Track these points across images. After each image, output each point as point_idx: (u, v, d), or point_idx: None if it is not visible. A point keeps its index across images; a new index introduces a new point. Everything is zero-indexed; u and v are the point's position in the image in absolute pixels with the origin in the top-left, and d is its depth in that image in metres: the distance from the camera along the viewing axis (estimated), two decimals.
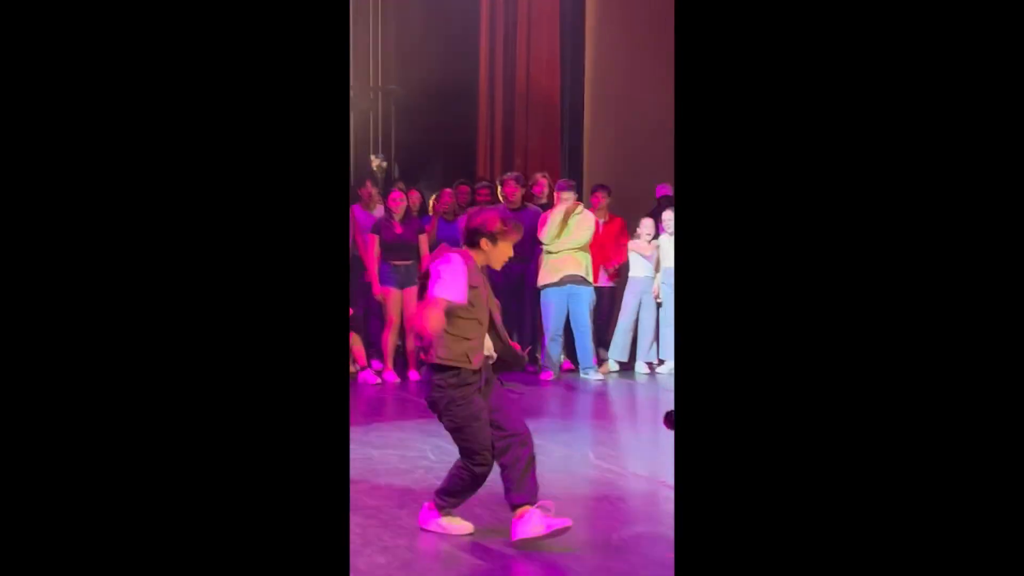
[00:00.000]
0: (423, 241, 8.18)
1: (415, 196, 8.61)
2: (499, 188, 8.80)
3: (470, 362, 4.07)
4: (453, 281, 3.98)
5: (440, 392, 4.08)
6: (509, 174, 8.83)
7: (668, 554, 4.22)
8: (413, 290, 8.10)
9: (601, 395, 8.05)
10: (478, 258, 4.13)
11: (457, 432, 4.13)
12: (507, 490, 4.11)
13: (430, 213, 8.81)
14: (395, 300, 8.10)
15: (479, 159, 10.19)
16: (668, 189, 9.17)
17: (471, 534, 4.23)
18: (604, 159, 10.21)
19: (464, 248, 4.19)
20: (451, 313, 3.99)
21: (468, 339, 4.09)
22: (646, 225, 8.71)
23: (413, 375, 8.24)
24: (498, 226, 4.09)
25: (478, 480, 4.17)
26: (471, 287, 4.04)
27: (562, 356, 8.62)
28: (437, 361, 4.04)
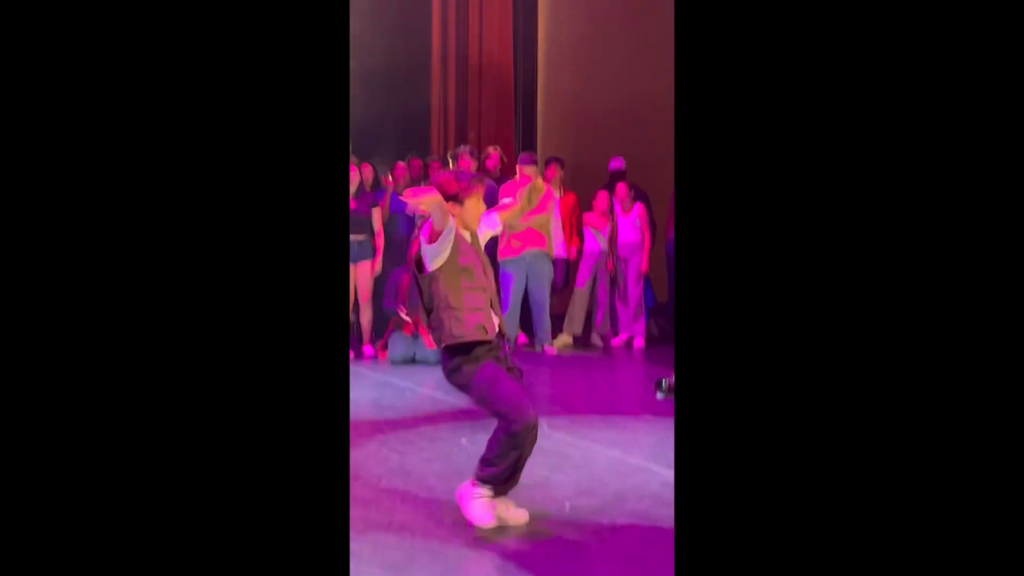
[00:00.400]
0: (376, 215, 8.20)
1: (368, 170, 8.60)
2: (453, 162, 8.83)
3: (487, 333, 3.99)
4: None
5: (459, 373, 4.01)
6: (462, 147, 8.86)
7: (619, 521, 4.31)
8: (366, 264, 8.13)
9: (556, 368, 8.13)
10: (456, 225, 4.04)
11: (484, 400, 4.04)
12: (490, 461, 4.03)
13: (383, 187, 8.81)
14: (349, 275, 8.10)
15: (432, 133, 10.20)
16: (621, 163, 9.25)
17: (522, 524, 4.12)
18: (558, 133, 10.26)
19: None
20: (455, 287, 3.96)
21: (478, 309, 4.00)
22: (601, 199, 8.79)
23: (367, 350, 8.28)
24: (455, 186, 4.04)
25: (517, 441, 3.97)
26: (462, 252, 3.99)
27: (518, 329, 8.69)
28: (453, 341, 3.96)
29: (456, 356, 4.00)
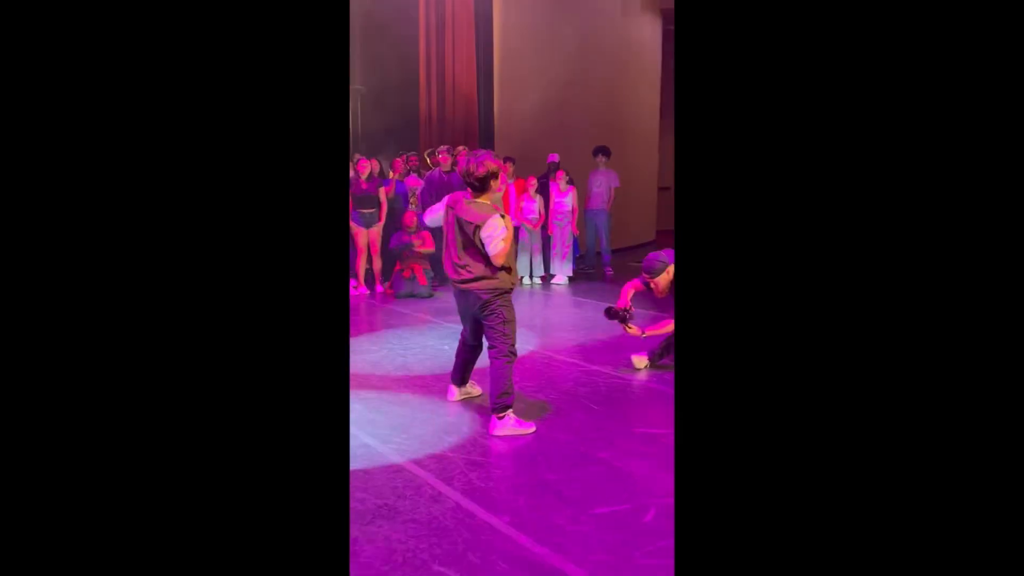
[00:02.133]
0: (382, 194, 8.33)
1: (375, 163, 8.72)
2: (431, 158, 8.95)
3: (513, 284, 3.87)
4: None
5: (502, 305, 3.83)
6: (441, 147, 8.95)
7: (551, 396, 4.55)
8: (376, 228, 8.30)
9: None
10: (488, 199, 3.82)
11: (501, 326, 3.81)
12: (501, 393, 3.80)
13: (389, 176, 8.93)
14: (363, 236, 8.24)
15: (420, 137, 10.24)
16: (556, 157, 9.47)
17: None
18: (509, 137, 10.35)
19: (471, 194, 3.81)
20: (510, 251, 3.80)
21: (510, 268, 3.85)
22: (533, 183, 9.01)
23: (379, 288, 8.42)
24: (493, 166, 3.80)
25: (511, 364, 3.84)
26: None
27: None
28: (508, 287, 3.82)
29: (505, 295, 3.85)
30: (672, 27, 13.94)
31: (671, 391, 4.51)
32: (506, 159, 9.11)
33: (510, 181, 8.93)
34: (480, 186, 3.79)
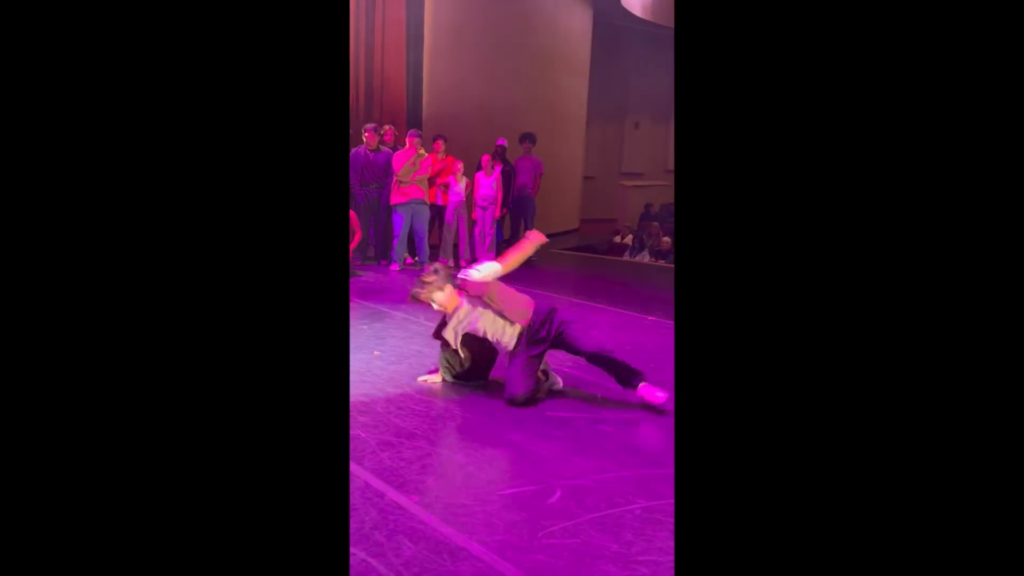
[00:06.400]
0: None
1: None
2: (362, 135, 8.79)
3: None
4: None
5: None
6: (368, 124, 8.79)
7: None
8: None
9: None
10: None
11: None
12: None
13: None
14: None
15: (350, 115, 10.05)
16: (503, 141, 9.45)
17: None
18: (437, 119, 10.26)
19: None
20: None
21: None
22: (459, 167, 8.94)
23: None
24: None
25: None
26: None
27: (405, 254, 8.79)
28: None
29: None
30: (603, 19, 14.04)
31: (585, 376, 4.57)
32: (437, 137, 9.05)
33: (440, 158, 8.88)
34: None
